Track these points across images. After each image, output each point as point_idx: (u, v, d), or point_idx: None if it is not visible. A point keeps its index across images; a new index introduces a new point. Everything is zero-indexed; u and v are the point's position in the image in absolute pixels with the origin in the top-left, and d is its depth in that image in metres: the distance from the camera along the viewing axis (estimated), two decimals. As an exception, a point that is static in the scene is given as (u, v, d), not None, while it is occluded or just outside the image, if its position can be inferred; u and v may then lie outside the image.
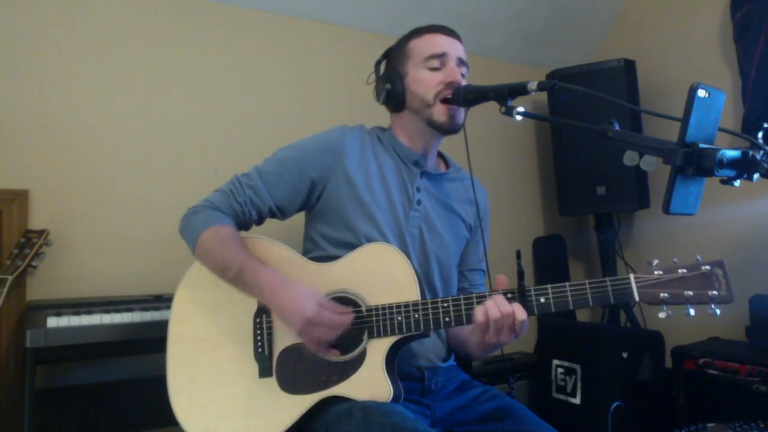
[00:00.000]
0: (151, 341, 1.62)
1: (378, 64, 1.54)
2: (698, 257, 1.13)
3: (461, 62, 1.43)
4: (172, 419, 1.29)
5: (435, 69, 1.41)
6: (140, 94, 2.13)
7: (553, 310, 1.18)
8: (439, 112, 1.40)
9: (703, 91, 0.91)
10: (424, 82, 1.40)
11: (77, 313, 1.63)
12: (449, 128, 1.41)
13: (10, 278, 1.61)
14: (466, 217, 1.53)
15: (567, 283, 1.17)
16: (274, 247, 1.38)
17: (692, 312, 1.10)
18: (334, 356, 1.24)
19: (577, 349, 2.29)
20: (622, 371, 2.19)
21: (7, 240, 1.81)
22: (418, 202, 1.44)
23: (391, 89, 1.44)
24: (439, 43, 1.43)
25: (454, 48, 1.43)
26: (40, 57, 1.97)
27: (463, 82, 1.41)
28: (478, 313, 1.18)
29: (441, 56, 1.41)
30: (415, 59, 1.43)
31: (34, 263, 1.71)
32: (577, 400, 2.24)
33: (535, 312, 1.18)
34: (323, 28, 2.52)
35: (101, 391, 1.92)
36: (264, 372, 1.28)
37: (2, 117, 1.90)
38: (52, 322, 1.58)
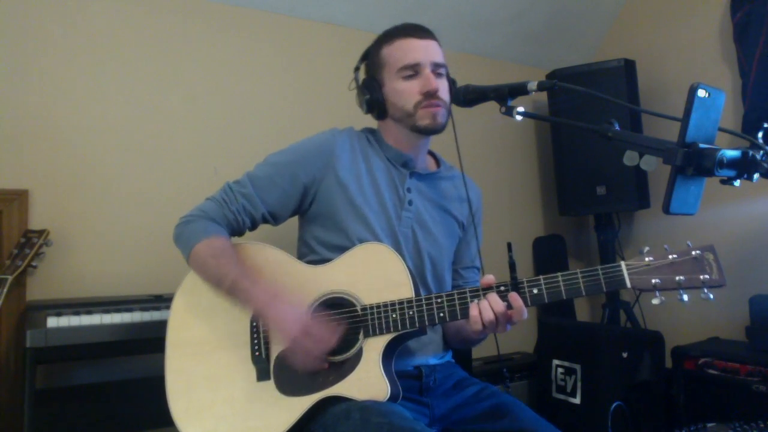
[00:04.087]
0: (151, 341, 1.62)
1: (356, 70, 1.53)
2: (689, 242, 1.13)
3: (437, 65, 1.42)
4: (171, 420, 1.29)
5: (410, 77, 1.40)
6: (140, 94, 2.13)
7: (546, 301, 1.18)
8: (422, 117, 1.39)
9: (703, 91, 0.91)
10: (401, 93, 1.40)
11: (77, 313, 1.63)
12: (433, 130, 1.41)
13: (10, 278, 1.61)
14: (458, 216, 1.53)
15: (559, 274, 1.18)
16: (269, 251, 1.38)
17: (686, 297, 1.10)
18: (324, 366, 1.24)
19: (577, 349, 2.29)
20: (622, 371, 2.19)
21: (7, 240, 1.81)
22: (410, 203, 1.44)
23: (371, 100, 1.43)
24: (411, 50, 1.40)
25: (427, 52, 1.41)
26: (40, 57, 1.97)
27: (442, 86, 1.40)
28: (474, 317, 1.19)
29: (414, 66, 1.39)
30: (389, 69, 1.42)
31: (34, 263, 1.71)
32: (577, 400, 2.24)
33: (529, 303, 1.19)
34: (323, 28, 2.52)
35: (101, 391, 1.92)
36: (262, 375, 1.28)
37: (2, 117, 1.90)
38: (52, 322, 1.58)
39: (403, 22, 1.47)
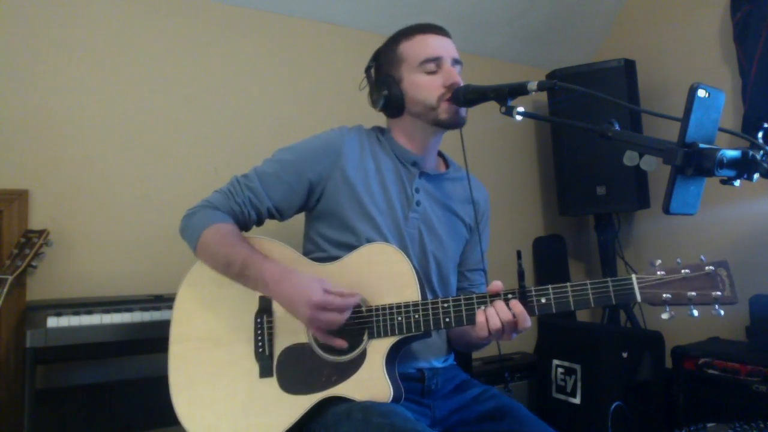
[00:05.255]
0: (151, 341, 1.62)
1: (368, 69, 1.52)
2: (702, 257, 1.11)
3: (455, 61, 1.43)
4: (172, 419, 1.29)
5: (431, 72, 1.40)
6: (140, 94, 2.13)
7: (554, 311, 1.17)
8: (444, 110, 1.39)
9: (703, 91, 0.91)
10: (424, 87, 1.40)
11: (77, 313, 1.63)
12: (455, 124, 1.41)
13: (10, 278, 1.61)
14: (465, 218, 1.52)
15: (568, 284, 1.16)
16: (276, 246, 1.38)
17: (696, 313, 1.08)
18: (341, 346, 1.24)
19: (577, 349, 2.29)
20: (622, 371, 2.19)
21: (7, 240, 1.81)
22: (417, 203, 1.44)
23: (389, 96, 1.42)
24: (432, 45, 1.41)
25: (447, 48, 1.42)
26: (40, 57, 1.97)
27: (461, 81, 1.41)
28: (480, 323, 1.18)
29: (436, 59, 1.40)
30: (409, 63, 1.42)
31: (34, 263, 1.71)
32: (577, 400, 2.24)
33: (536, 312, 1.17)
34: (323, 28, 2.52)
35: (101, 391, 1.92)
36: (264, 372, 1.28)
37: (2, 117, 1.90)
38: (52, 322, 1.58)
39: (419, 22, 1.47)
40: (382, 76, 1.47)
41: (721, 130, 0.97)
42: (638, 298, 1.12)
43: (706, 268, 1.10)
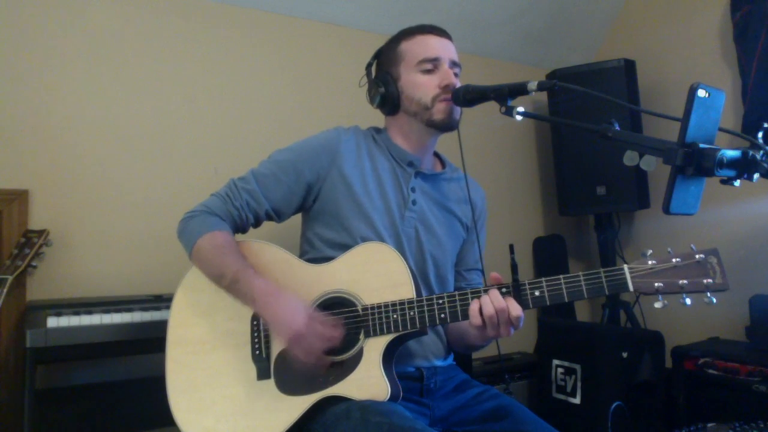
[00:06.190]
0: (151, 341, 1.62)
1: (369, 66, 1.54)
2: (692, 246, 1.13)
3: (454, 63, 1.43)
4: (172, 419, 1.29)
5: (428, 71, 1.41)
6: (140, 94, 2.13)
7: (548, 303, 1.17)
8: (438, 111, 1.40)
9: (703, 91, 0.91)
10: (419, 86, 1.41)
11: (77, 313, 1.63)
12: (448, 125, 1.42)
13: (10, 278, 1.61)
14: (462, 217, 1.53)
15: (561, 276, 1.17)
16: (270, 249, 1.38)
17: (688, 301, 1.09)
18: (325, 365, 1.24)
19: (577, 349, 2.29)
20: (622, 371, 2.19)
21: (7, 240, 1.81)
22: (414, 202, 1.44)
23: (386, 93, 1.44)
24: (432, 45, 1.42)
25: (446, 50, 1.43)
26: (40, 57, 1.97)
27: (458, 83, 1.41)
28: (473, 311, 1.18)
29: (434, 60, 1.41)
30: (407, 62, 1.43)
31: (34, 263, 1.72)
32: (577, 400, 2.24)
33: (531, 305, 1.18)
34: (323, 28, 2.52)
35: (101, 391, 1.92)
36: (262, 374, 1.28)
37: (2, 117, 1.90)
38: (52, 322, 1.58)
39: (420, 23, 1.48)
40: (381, 73, 1.48)
41: (721, 130, 0.97)
42: (630, 287, 1.13)
43: (697, 256, 1.11)
